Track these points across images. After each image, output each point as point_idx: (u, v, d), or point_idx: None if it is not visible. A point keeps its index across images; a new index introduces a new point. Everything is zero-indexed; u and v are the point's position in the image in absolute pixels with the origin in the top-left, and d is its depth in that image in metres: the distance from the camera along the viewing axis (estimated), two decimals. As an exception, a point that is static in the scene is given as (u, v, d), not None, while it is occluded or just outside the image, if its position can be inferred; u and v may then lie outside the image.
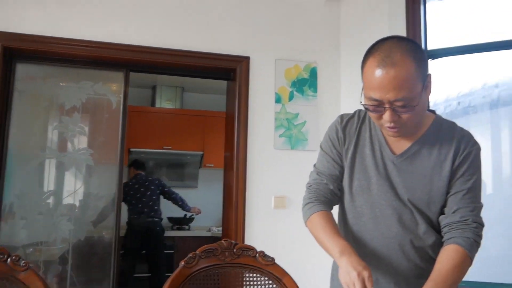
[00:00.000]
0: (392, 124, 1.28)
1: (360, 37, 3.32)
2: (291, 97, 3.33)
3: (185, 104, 6.10)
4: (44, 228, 3.04)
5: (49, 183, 3.12)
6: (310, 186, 1.53)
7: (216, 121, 5.55)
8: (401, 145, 1.41)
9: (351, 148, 1.46)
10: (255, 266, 1.59)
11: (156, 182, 5.25)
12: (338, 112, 3.41)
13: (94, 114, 3.26)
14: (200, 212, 5.66)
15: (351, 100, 3.35)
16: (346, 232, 1.49)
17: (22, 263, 1.34)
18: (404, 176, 1.38)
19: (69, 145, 3.16)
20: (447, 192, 1.37)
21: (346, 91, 3.41)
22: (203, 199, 6.04)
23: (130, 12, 3.15)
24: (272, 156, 3.25)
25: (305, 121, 3.32)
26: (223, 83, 3.60)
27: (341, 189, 1.52)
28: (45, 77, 3.18)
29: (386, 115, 1.26)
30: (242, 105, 3.24)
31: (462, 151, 1.37)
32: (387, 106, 1.25)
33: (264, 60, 3.33)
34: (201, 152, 5.82)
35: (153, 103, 5.96)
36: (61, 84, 3.22)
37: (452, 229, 1.34)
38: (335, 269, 1.57)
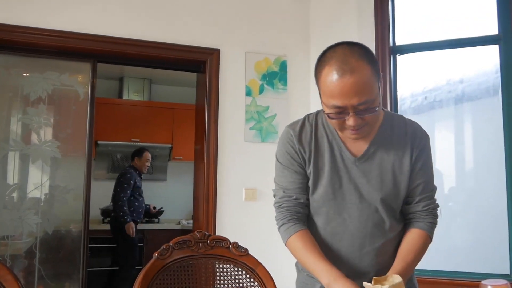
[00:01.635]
0: (356, 128, 1.30)
1: (330, 30, 3.36)
2: (261, 90, 3.35)
3: (153, 96, 6.04)
4: (10, 222, 2.96)
5: (14, 176, 3.04)
6: (280, 205, 1.49)
7: (185, 113, 5.53)
8: (359, 147, 1.43)
9: (312, 157, 1.44)
10: (229, 257, 1.60)
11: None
12: (308, 105, 3.45)
13: (60, 105, 3.19)
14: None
15: (320, 93, 3.39)
16: (316, 238, 1.45)
17: (-9, 257, 1.31)
18: (368, 177, 1.41)
19: (35, 137, 3.09)
20: (409, 185, 1.44)
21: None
22: (172, 192, 6.01)
23: (98, 1, 3.09)
24: (242, 149, 3.27)
25: (275, 114, 3.35)
26: (192, 76, 3.58)
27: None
28: (9, 67, 3.09)
29: (351, 120, 1.28)
30: (212, 98, 3.23)
31: (417, 146, 1.43)
32: (350, 111, 1.26)
33: (234, 52, 3.34)
34: (170, 145, 5.78)
35: (120, 95, 5.87)
36: (25, 74, 3.13)
37: (415, 216, 1.46)
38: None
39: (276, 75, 3.40)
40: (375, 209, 1.42)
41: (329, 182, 1.42)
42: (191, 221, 5.01)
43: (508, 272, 2.61)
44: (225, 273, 1.59)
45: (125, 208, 4.86)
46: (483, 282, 1.02)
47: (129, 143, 5.59)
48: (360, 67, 1.24)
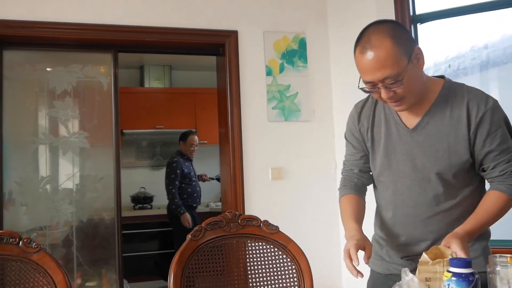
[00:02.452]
0: (391, 100, 1.38)
1: (348, 5, 3.31)
2: (281, 69, 3.34)
3: (174, 82, 6.07)
4: (46, 212, 3.07)
5: (46, 168, 3.13)
6: (342, 173, 1.73)
7: (207, 97, 5.55)
8: (414, 119, 1.48)
9: (369, 130, 1.57)
10: (260, 235, 1.64)
11: None
12: (329, 81, 3.43)
13: (85, 97, 3.26)
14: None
15: (341, 68, 3.37)
16: (378, 204, 1.64)
17: (33, 245, 1.37)
18: (423, 148, 1.45)
19: (63, 129, 3.17)
20: (472, 154, 1.42)
21: (336, 60, 3.42)
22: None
23: (114, -9, 3.11)
24: (266, 129, 3.28)
25: (297, 92, 3.34)
26: (211, 59, 3.59)
27: (367, 171, 1.66)
28: (33, 62, 3.16)
29: (382, 93, 1.37)
30: (233, 80, 3.25)
31: (476, 115, 1.39)
32: (379, 85, 1.35)
33: (252, 33, 3.33)
34: (194, 130, 5.83)
35: (141, 83, 5.92)
36: (50, 69, 3.20)
37: (495, 181, 1.44)
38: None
39: (295, 53, 3.38)
40: (428, 179, 1.45)
41: (384, 153, 1.53)
42: (219, 204, 5.06)
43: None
44: (257, 251, 1.63)
45: (176, 200, 4.75)
46: (491, 256, 1.04)
47: (154, 130, 5.66)
48: (382, 44, 1.31)
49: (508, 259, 1.03)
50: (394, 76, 1.31)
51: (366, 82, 1.38)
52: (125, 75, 5.77)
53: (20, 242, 1.37)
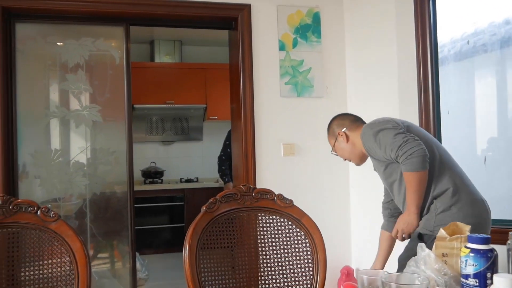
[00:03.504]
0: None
1: (363, -22, 3.25)
2: (295, 44, 3.30)
3: (184, 57, 6.04)
4: (60, 184, 3.10)
5: (60, 141, 3.16)
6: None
7: (218, 73, 5.53)
8: None
9: None
10: (274, 208, 1.64)
11: None
12: (343, 57, 3.39)
13: (97, 71, 3.25)
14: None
15: (355, 44, 3.32)
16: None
17: (51, 214, 1.39)
18: None
19: (75, 102, 3.17)
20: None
21: (350, 35, 3.37)
22: (208, 151, 6.10)
23: (127, -37, 3.07)
24: (279, 104, 3.27)
25: (310, 68, 3.31)
26: (221, 35, 3.55)
27: None
28: (45, 35, 3.15)
29: None
30: (246, 55, 3.22)
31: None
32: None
33: (266, 6, 3.28)
34: (204, 105, 5.82)
35: (152, 58, 5.90)
36: (61, 42, 3.19)
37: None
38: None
39: (309, 28, 3.34)
40: None
41: None
42: (229, 179, 5.09)
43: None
44: (271, 224, 1.64)
45: (223, 168, 4.48)
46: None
47: (164, 105, 5.66)
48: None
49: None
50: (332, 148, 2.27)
51: None
52: (136, 49, 5.73)
53: (38, 211, 1.38)
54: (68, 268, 1.35)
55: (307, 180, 3.26)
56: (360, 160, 2.22)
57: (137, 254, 3.47)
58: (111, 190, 3.24)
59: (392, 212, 2.21)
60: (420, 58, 2.85)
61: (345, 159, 2.26)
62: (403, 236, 2.00)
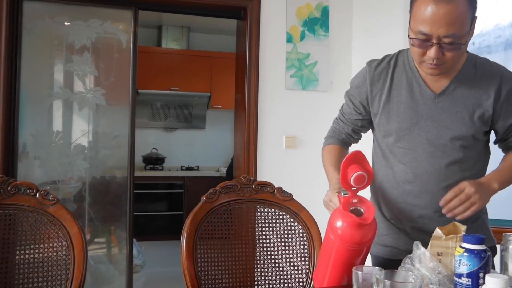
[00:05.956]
0: (435, 61, 1.30)
1: (375, -27, 3.22)
2: (302, 37, 3.28)
3: (191, 44, 6.02)
4: (60, 166, 3.09)
5: (63, 123, 3.15)
6: (332, 123, 1.72)
7: (224, 62, 5.51)
8: (440, 84, 1.43)
9: (385, 92, 1.48)
10: (273, 201, 1.64)
11: None
12: (350, 52, 3.37)
13: (104, 53, 3.23)
14: None
15: (362, 40, 3.30)
16: (388, 173, 1.52)
17: (50, 197, 1.39)
18: (448, 114, 1.42)
19: (80, 85, 3.16)
20: (493, 124, 1.45)
21: (358, 31, 3.35)
22: (211, 140, 6.11)
23: None
24: (283, 97, 3.25)
25: (316, 61, 3.29)
26: (229, 24, 3.53)
27: (359, 132, 1.64)
28: (53, 15, 3.12)
29: (432, 51, 1.28)
30: (253, 45, 3.20)
31: (505, 87, 1.41)
32: (434, 41, 1.27)
33: (276, -2, 3.26)
34: (209, 94, 5.81)
35: (159, 44, 5.88)
36: (69, 23, 3.17)
37: None
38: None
39: (317, 21, 3.31)
40: (451, 146, 1.42)
41: (405, 118, 1.45)
42: (230, 169, 5.09)
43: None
44: (269, 217, 1.63)
45: None
46: (505, 234, 1.04)
47: (168, 91, 5.66)
48: (459, 1, 1.24)
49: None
50: (457, 37, 1.25)
51: (420, 33, 1.27)
52: (143, 33, 5.71)
53: (37, 193, 1.38)
54: (64, 253, 1.35)
55: (307, 174, 3.26)
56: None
57: (134, 240, 3.48)
58: (111, 175, 3.23)
59: (343, 140, 1.68)
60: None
61: (445, 62, 1.32)
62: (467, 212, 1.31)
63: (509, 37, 2.80)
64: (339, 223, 1.21)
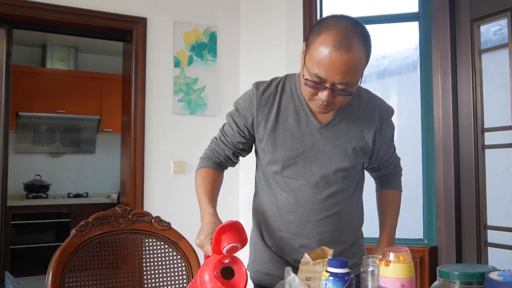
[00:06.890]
0: (325, 103, 1.31)
1: (260, 2, 3.34)
2: (190, 62, 3.29)
3: (79, 65, 5.76)
4: None
5: None
6: (211, 143, 1.62)
7: (114, 84, 5.34)
8: (326, 116, 1.44)
9: (271, 119, 1.45)
10: (151, 231, 1.59)
11: None
12: (238, 77, 3.44)
13: (-27, 74, 2.97)
14: None
15: (250, 65, 3.39)
16: (271, 200, 1.50)
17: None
18: (332, 145, 1.44)
19: None
20: (371, 156, 1.54)
21: (246, 56, 3.44)
22: (101, 165, 5.85)
23: (12, -38, 2.87)
24: (171, 121, 3.22)
25: (204, 86, 3.31)
26: (119, 45, 3.45)
27: (238, 156, 1.59)
28: None
29: (324, 94, 1.29)
30: (139, 68, 3.14)
31: (385, 121, 1.51)
32: (328, 86, 1.27)
33: (162, 22, 3.24)
34: (99, 116, 5.58)
35: (43, 64, 5.55)
36: None
37: (388, 177, 1.65)
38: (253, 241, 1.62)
39: (205, 47, 3.34)
40: (335, 178, 1.44)
41: (290, 147, 1.43)
42: (121, 195, 4.91)
43: (421, 237, 2.80)
44: (147, 248, 1.58)
45: None
46: (386, 249, 1.09)
47: (54, 114, 5.34)
48: (358, 49, 1.23)
49: (378, 260, 1.09)
50: (350, 85, 1.27)
51: (316, 76, 1.26)
52: (26, 52, 5.39)
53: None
54: None
55: (196, 199, 3.23)
56: None
57: (11, 276, 3.19)
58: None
59: (220, 163, 1.61)
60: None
61: (334, 105, 1.36)
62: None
63: (381, 68, 3.04)
64: (208, 285, 1.14)
